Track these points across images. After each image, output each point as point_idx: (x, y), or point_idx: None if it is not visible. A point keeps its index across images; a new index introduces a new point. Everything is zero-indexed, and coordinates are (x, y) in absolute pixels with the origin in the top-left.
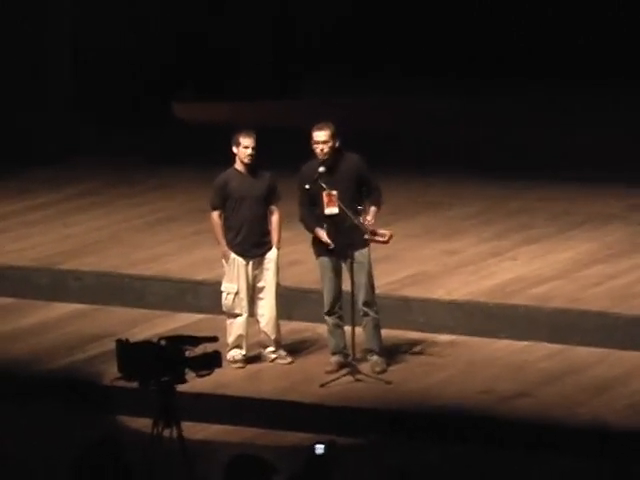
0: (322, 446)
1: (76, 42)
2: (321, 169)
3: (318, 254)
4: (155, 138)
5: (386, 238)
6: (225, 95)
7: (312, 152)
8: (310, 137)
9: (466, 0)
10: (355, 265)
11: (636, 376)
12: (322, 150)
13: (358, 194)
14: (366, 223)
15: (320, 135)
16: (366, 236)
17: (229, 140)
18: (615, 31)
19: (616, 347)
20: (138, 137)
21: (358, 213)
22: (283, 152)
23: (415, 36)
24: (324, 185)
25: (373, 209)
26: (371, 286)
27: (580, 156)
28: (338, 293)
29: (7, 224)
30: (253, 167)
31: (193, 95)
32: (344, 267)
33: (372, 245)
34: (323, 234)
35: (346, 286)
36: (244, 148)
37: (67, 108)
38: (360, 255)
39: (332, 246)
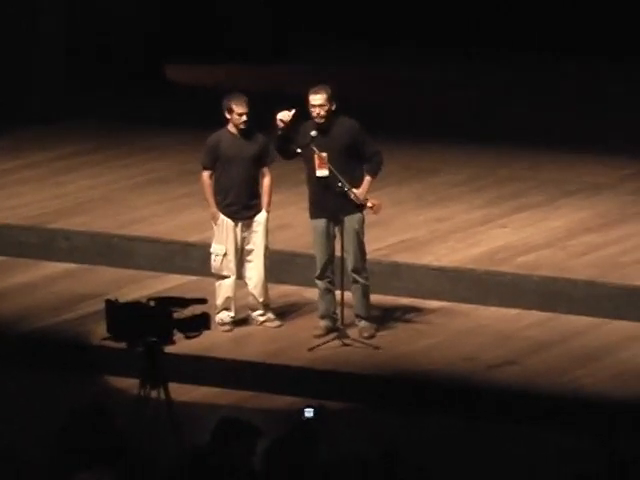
0: (311, 410)
1: (68, 3)
2: (313, 133)
3: (312, 216)
4: (147, 100)
5: (374, 209)
6: (217, 57)
7: (309, 115)
8: (307, 100)
9: None
10: (345, 230)
11: (624, 346)
12: (318, 113)
13: (351, 159)
14: (352, 197)
15: (316, 98)
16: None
17: (221, 103)
18: (601, 7)
19: (604, 316)
20: (130, 99)
21: (351, 183)
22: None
23: (405, 4)
24: (315, 148)
25: (367, 179)
26: (361, 252)
27: (570, 126)
28: (330, 257)
29: None
30: (247, 130)
31: (185, 57)
32: (337, 231)
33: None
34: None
35: (338, 251)
36: (238, 115)
37: (58, 69)
38: (350, 220)
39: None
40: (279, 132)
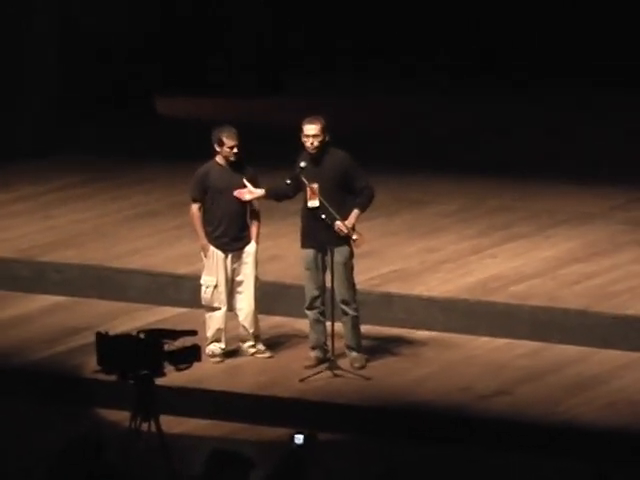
0: (301, 437)
1: (60, 37)
2: (302, 164)
3: (302, 245)
4: (137, 133)
5: (356, 242)
6: (207, 90)
7: (302, 145)
8: (300, 130)
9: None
10: (333, 262)
11: (615, 375)
12: (312, 143)
13: (341, 190)
14: (336, 228)
15: (311, 129)
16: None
17: (210, 135)
18: (589, 34)
19: (596, 346)
20: (120, 132)
21: (340, 214)
22: (263, 149)
23: (397, 34)
24: (304, 179)
25: (354, 212)
26: (349, 284)
27: (559, 155)
28: (320, 288)
29: None
30: (236, 161)
31: (175, 90)
32: (327, 262)
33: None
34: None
35: (328, 282)
36: (229, 149)
37: (50, 103)
38: (338, 252)
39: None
40: (267, 197)
